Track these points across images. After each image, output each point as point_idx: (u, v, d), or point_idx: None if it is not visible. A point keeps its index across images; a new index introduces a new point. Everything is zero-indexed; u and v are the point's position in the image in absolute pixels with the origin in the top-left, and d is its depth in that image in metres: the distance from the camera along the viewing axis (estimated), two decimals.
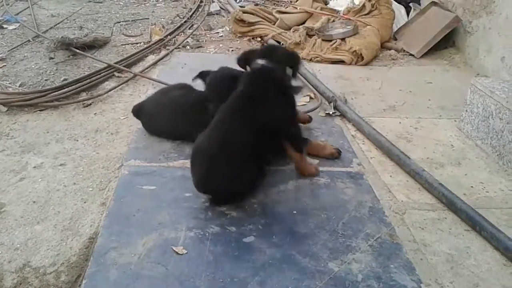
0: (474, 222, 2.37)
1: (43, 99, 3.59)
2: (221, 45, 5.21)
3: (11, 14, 5.84)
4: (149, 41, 5.06)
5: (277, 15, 5.61)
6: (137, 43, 5.07)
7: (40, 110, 3.51)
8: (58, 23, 5.70)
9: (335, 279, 1.98)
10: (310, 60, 4.72)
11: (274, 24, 5.49)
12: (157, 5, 6.87)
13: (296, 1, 6.36)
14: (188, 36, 5.27)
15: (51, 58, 4.47)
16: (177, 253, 2.08)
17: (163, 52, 4.73)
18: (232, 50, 5.02)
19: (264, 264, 2.04)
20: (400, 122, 3.47)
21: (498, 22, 4.27)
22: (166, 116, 2.99)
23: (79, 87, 3.80)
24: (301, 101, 3.63)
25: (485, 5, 4.48)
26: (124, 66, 4.25)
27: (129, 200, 2.43)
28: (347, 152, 2.98)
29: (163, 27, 5.61)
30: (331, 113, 3.49)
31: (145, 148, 2.91)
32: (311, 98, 3.76)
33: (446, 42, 5.04)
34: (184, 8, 6.62)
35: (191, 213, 2.35)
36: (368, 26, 5.08)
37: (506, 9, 4.16)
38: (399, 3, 5.89)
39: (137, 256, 2.06)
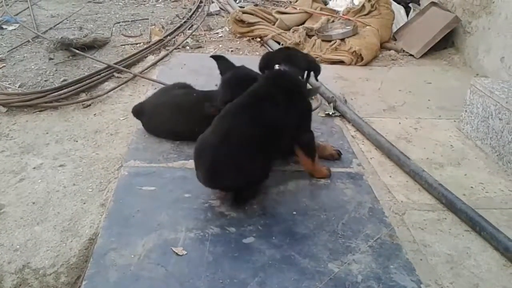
0: (474, 223, 2.37)
1: (43, 99, 3.59)
2: (220, 45, 5.21)
3: (11, 15, 5.82)
4: (149, 42, 5.05)
5: (277, 16, 5.61)
6: (136, 44, 5.07)
7: (39, 111, 3.51)
8: (58, 24, 5.69)
9: (335, 280, 1.98)
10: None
11: (273, 25, 5.49)
12: (157, 5, 6.86)
13: (296, 2, 6.36)
14: (188, 37, 5.27)
15: (51, 58, 4.47)
16: (177, 254, 2.08)
17: (163, 53, 4.73)
18: (232, 51, 5.02)
19: (264, 265, 2.04)
20: (399, 123, 3.47)
21: (497, 22, 4.27)
22: (167, 116, 2.99)
23: (79, 87, 3.79)
24: None
25: (484, 5, 4.48)
26: (123, 67, 4.24)
27: (129, 201, 2.42)
28: (347, 152, 2.98)
29: (163, 27, 5.61)
30: (330, 113, 3.50)
31: (145, 149, 2.91)
32: (311, 98, 3.75)
33: (446, 42, 5.05)
34: (184, 8, 6.62)
35: (190, 214, 2.35)
36: (367, 27, 5.08)
37: (505, 10, 4.16)
38: (398, 3, 5.90)
39: (137, 257, 2.05)
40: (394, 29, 5.48)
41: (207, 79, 3.78)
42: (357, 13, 5.44)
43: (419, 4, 5.88)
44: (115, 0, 7.06)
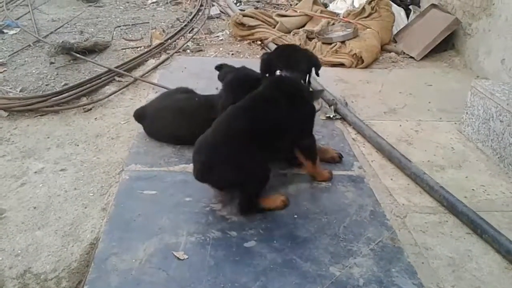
0: (476, 225, 2.37)
1: (44, 104, 3.60)
2: (221, 48, 5.21)
3: (12, 19, 5.84)
4: (150, 45, 5.07)
5: (277, 19, 5.63)
6: (137, 47, 5.08)
7: (40, 115, 3.51)
8: (59, 28, 5.71)
9: (337, 284, 1.98)
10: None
11: (274, 28, 5.51)
12: (157, 9, 6.88)
13: (296, 5, 6.38)
14: (189, 40, 5.28)
15: (52, 63, 4.48)
16: (178, 258, 2.08)
17: (164, 56, 4.74)
18: (232, 54, 5.03)
19: (265, 269, 2.04)
20: (400, 125, 3.47)
21: (497, 24, 4.27)
22: (169, 120, 2.99)
23: (80, 91, 3.80)
24: None
25: (484, 7, 4.48)
26: (124, 71, 4.25)
27: (130, 205, 2.42)
28: (348, 155, 2.98)
29: (163, 31, 5.62)
30: (331, 116, 3.50)
31: (146, 153, 2.91)
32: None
33: (446, 44, 5.06)
34: (184, 12, 6.64)
35: (191, 218, 2.35)
36: (368, 29, 5.09)
37: (505, 11, 4.16)
38: (398, 5, 5.91)
39: (138, 261, 2.05)
40: (395, 32, 5.49)
41: (208, 82, 3.79)
42: (357, 15, 5.45)
43: (419, 6, 5.89)
44: (115, 4, 7.09)
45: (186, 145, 2.92)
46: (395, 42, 5.38)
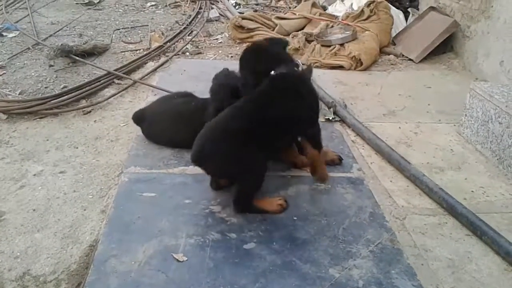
0: (475, 227, 2.37)
1: (43, 106, 3.60)
2: (220, 51, 5.22)
3: (11, 22, 5.85)
4: (149, 48, 5.08)
5: (276, 21, 5.64)
6: (136, 50, 5.09)
7: (40, 118, 3.52)
8: (58, 31, 5.72)
9: (336, 285, 1.98)
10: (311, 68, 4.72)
11: (273, 30, 5.53)
12: (156, 12, 6.90)
13: (295, 7, 6.39)
14: (188, 43, 5.29)
15: (51, 65, 4.48)
16: (177, 260, 2.07)
17: (163, 59, 4.75)
18: (232, 56, 5.04)
19: (264, 271, 2.04)
20: (399, 127, 3.47)
21: (496, 26, 4.28)
22: (166, 124, 2.99)
23: (79, 94, 3.81)
24: None
25: (483, 9, 4.49)
26: (123, 73, 4.26)
27: (129, 208, 2.42)
28: (347, 157, 2.98)
29: (163, 33, 5.63)
30: (330, 118, 3.50)
31: (145, 155, 2.91)
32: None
33: (445, 46, 5.07)
34: (184, 14, 6.65)
35: (191, 220, 2.35)
36: (366, 32, 5.10)
37: (504, 14, 4.17)
38: (397, 8, 5.92)
39: (138, 263, 2.05)
40: (393, 34, 5.50)
41: (207, 85, 3.75)
42: (356, 18, 5.46)
43: (418, 9, 5.90)
44: (115, 7, 7.10)
45: (185, 148, 2.93)
46: (394, 44, 5.39)
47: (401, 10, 5.95)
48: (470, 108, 3.27)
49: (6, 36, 5.41)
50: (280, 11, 6.73)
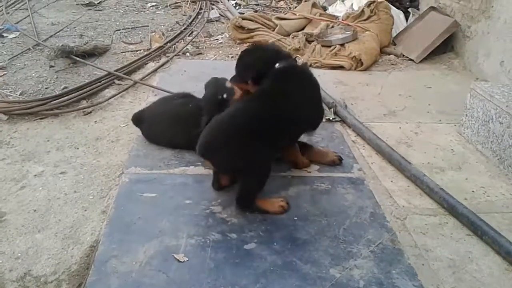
0: (476, 227, 2.37)
1: (44, 107, 3.60)
2: (220, 51, 5.22)
3: (11, 23, 5.86)
4: (149, 49, 5.08)
5: (276, 22, 5.64)
6: (137, 51, 5.09)
7: (40, 119, 3.52)
8: (58, 31, 5.72)
9: (337, 286, 1.98)
10: (310, 65, 4.72)
11: (273, 31, 5.52)
12: (157, 12, 6.90)
13: (295, 8, 6.39)
14: (188, 43, 5.29)
15: (52, 66, 4.49)
16: (178, 260, 2.08)
17: (163, 59, 4.75)
18: (232, 57, 5.04)
19: (265, 271, 2.04)
20: (400, 127, 3.47)
21: (496, 26, 4.28)
22: (165, 125, 2.99)
23: (80, 95, 3.81)
24: None
25: (483, 9, 4.49)
26: (124, 74, 4.26)
27: (130, 208, 2.43)
28: (348, 157, 2.98)
29: (163, 34, 5.63)
30: (331, 118, 3.50)
31: (146, 156, 2.92)
32: None
33: (445, 47, 5.07)
34: (184, 15, 6.65)
35: (191, 220, 2.35)
36: (367, 32, 5.10)
37: (504, 14, 4.17)
38: (398, 8, 5.92)
39: (138, 264, 2.05)
40: (394, 34, 5.50)
41: None
42: (356, 18, 5.46)
43: (418, 9, 5.90)
44: (115, 7, 7.11)
45: (184, 149, 2.93)
46: (394, 44, 5.39)
47: (401, 10, 5.96)
48: (471, 108, 3.27)
49: (6, 37, 5.42)
50: (281, 12, 6.73)
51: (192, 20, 6.23)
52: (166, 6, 7.16)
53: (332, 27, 5.42)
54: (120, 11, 6.93)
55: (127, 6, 7.22)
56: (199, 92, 3.25)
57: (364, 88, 4.24)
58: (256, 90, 2.53)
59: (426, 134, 3.39)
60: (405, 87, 4.25)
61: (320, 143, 3.14)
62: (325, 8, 6.42)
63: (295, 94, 2.49)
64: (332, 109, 3.55)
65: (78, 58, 4.57)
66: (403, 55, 5.09)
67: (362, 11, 5.45)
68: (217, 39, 5.65)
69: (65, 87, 4.02)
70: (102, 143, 3.20)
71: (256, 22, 5.58)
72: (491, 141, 3.05)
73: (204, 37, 5.67)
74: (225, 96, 2.66)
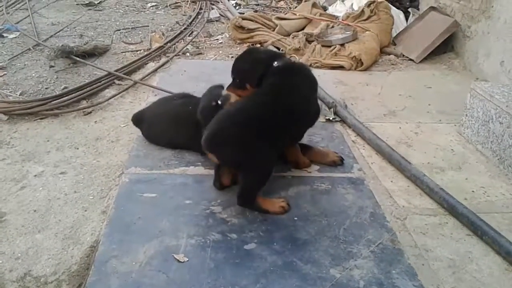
0: (476, 227, 2.37)
1: (44, 107, 3.60)
2: (220, 51, 5.22)
3: (12, 23, 5.86)
4: (149, 49, 5.07)
5: (277, 22, 5.63)
6: (137, 51, 5.09)
7: (40, 119, 3.52)
8: (58, 32, 5.72)
9: (337, 286, 1.98)
10: (310, 65, 4.70)
11: (273, 31, 5.52)
12: (157, 12, 6.90)
13: (295, 8, 6.39)
14: (188, 43, 5.29)
15: (52, 66, 4.49)
16: (178, 260, 2.07)
17: (163, 59, 4.75)
18: (232, 57, 5.03)
19: (265, 271, 2.04)
20: (400, 127, 3.47)
21: (496, 26, 4.28)
22: (165, 126, 2.99)
23: (80, 95, 3.81)
24: None
25: (483, 9, 4.49)
26: (124, 74, 4.26)
27: (130, 208, 2.43)
28: (348, 157, 2.98)
29: (163, 34, 5.63)
30: (331, 118, 3.50)
31: (146, 156, 2.92)
32: None
33: (445, 47, 5.07)
34: (184, 15, 6.65)
35: (191, 220, 2.35)
36: (367, 32, 5.10)
37: (504, 14, 4.17)
38: (398, 8, 5.92)
39: (138, 264, 2.05)
40: (394, 34, 5.50)
41: (207, 85, 3.77)
42: (356, 18, 5.46)
43: (418, 9, 5.90)
44: (115, 7, 7.11)
45: (184, 149, 2.94)
46: (394, 44, 5.39)
47: (401, 10, 5.96)
48: (471, 108, 3.27)
49: (6, 37, 5.42)
50: (281, 12, 6.73)
51: (192, 20, 6.23)
52: (166, 6, 7.17)
53: (332, 27, 5.42)
54: (120, 11, 6.93)
55: (127, 6, 7.22)
56: (199, 92, 3.26)
57: (364, 88, 4.24)
58: (262, 87, 2.54)
59: (426, 134, 3.39)
60: (405, 87, 4.25)
61: (320, 143, 3.14)
62: (325, 8, 6.42)
63: (300, 88, 2.55)
64: (332, 109, 3.55)
65: (78, 58, 4.57)
66: (403, 55, 5.09)
67: (362, 11, 5.45)
68: (217, 39, 5.65)
69: (65, 87, 4.02)
70: (102, 143, 3.20)
71: (256, 22, 5.57)
72: (491, 141, 3.05)
73: (204, 37, 5.67)
74: (219, 102, 2.67)
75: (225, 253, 2.14)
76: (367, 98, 3.98)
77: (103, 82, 4.09)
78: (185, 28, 5.86)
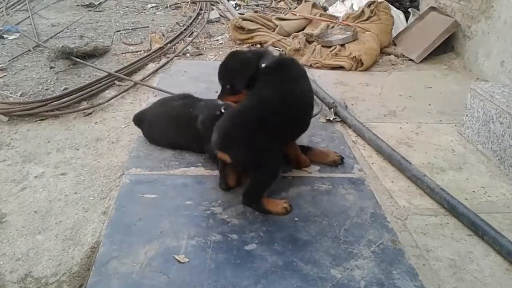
0: (476, 227, 2.37)
1: (44, 108, 3.60)
2: (221, 52, 5.22)
3: (12, 24, 5.86)
4: (149, 49, 5.08)
5: (277, 22, 5.64)
6: (137, 52, 5.09)
7: (41, 120, 3.52)
8: (59, 33, 5.73)
9: (338, 286, 1.98)
10: (310, 66, 4.73)
11: (273, 31, 5.52)
12: (157, 13, 6.90)
13: (295, 8, 6.39)
14: (188, 44, 5.29)
15: (52, 67, 4.49)
16: (179, 261, 2.07)
17: (163, 60, 4.75)
18: None
19: (266, 272, 2.04)
20: (400, 127, 3.47)
21: (497, 26, 4.28)
22: (166, 126, 2.99)
23: (80, 96, 3.81)
24: None
25: (483, 9, 4.49)
26: (124, 75, 4.26)
27: (130, 209, 2.42)
28: (348, 158, 2.98)
29: (163, 35, 5.64)
30: (331, 119, 3.50)
31: (146, 157, 2.92)
32: None
33: (445, 47, 5.07)
34: (184, 16, 6.65)
35: (192, 221, 2.34)
36: (367, 32, 5.10)
37: (504, 14, 4.17)
38: (398, 8, 5.92)
39: (139, 265, 2.05)
40: (394, 34, 5.50)
41: (208, 86, 3.80)
42: (356, 18, 5.46)
43: (418, 9, 5.90)
44: (115, 8, 7.11)
45: (185, 150, 2.94)
46: (395, 45, 5.39)
47: (401, 10, 5.96)
48: (471, 108, 3.27)
49: (7, 38, 5.42)
50: (281, 12, 6.73)
51: (192, 21, 6.23)
52: (166, 7, 7.17)
53: (332, 27, 5.42)
54: (120, 12, 6.93)
55: (127, 7, 7.22)
56: (199, 92, 3.28)
57: (364, 88, 4.24)
58: (263, 81, 2.54)
59: (426, 134, 3.39)
60: (405, 87, 4.25)
61: (321, 143, 3.14)
62: (325, 9, 6.42)
63: (298, 79, 2.59)
64: (332, 109, 3.55)
65: (78, 59, 4.57)
66: (403, 55, 5.09)
67: (362, 11, 5.45)
68: (217, 40, 5.65)
69: (66, 88, 4.02)
70: (102, 144, 3.20)
71: (256, 22, 5.58)
72: (492, 141, 3.05)
73: (204, 37, 5.67)
74: (223, 110, 2.64)
75: (225, 253, 2.13)
76: (367, 99, 3.98)
77: (103, 83, 4.09)
78: (185, 29, 5.87)
